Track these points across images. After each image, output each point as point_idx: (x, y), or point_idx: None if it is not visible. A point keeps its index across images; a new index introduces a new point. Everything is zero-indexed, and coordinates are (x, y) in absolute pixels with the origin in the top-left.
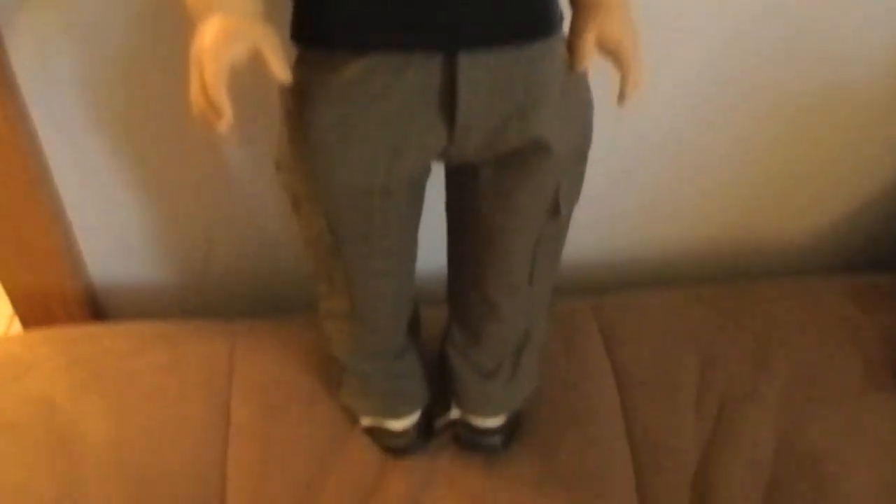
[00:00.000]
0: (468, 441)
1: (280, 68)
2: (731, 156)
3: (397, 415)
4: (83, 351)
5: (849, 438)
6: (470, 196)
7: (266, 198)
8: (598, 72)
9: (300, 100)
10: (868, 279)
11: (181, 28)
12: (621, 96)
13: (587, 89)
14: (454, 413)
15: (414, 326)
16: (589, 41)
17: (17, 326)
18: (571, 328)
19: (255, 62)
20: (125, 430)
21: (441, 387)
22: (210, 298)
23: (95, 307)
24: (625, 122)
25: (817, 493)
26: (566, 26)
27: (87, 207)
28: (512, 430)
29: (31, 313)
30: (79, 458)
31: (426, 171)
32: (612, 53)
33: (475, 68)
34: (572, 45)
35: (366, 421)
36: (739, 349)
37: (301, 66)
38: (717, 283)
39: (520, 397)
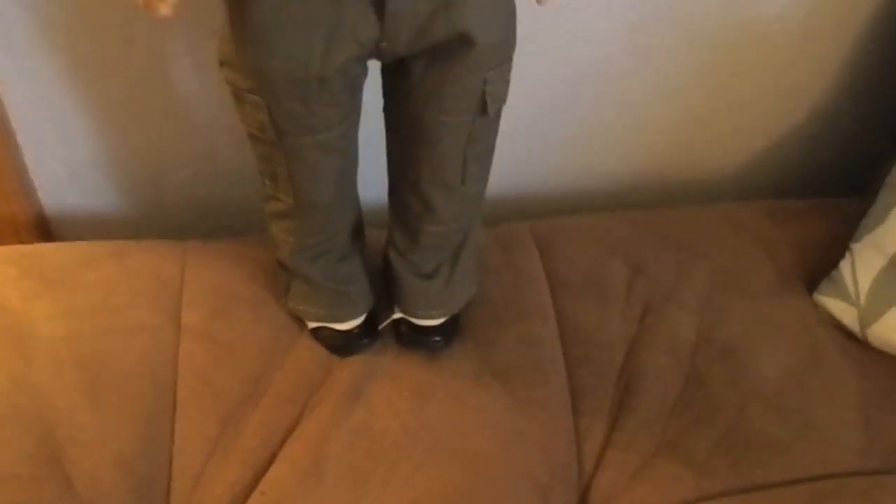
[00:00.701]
0: (410, 339)
1: None
2: (656, 88)
3: (342, 319)
4: (33, 264)
5: (760, 331)
6: (404, 95)
7: (217, 124)
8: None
9: None
10: (785, 203)
11: None
12: None
13: None
14: (396, 314)
15: (358, 234)
16: None
17: None
18: (509, 243)
19: None
20: (77, 331)
21: (385, 292)
22: (162, 226)
23: (46, 234)
24: (554, 54)
25: (731, 377)
26: None
27: (37, 132)
28: (451, 330)
29: None
30: (31, 354)
31: (363, 70)
32: None
33: None
34: None
35: (312, 324)
36: (663, 259)
37: None
38: (646, 208)
39: (458, 300)
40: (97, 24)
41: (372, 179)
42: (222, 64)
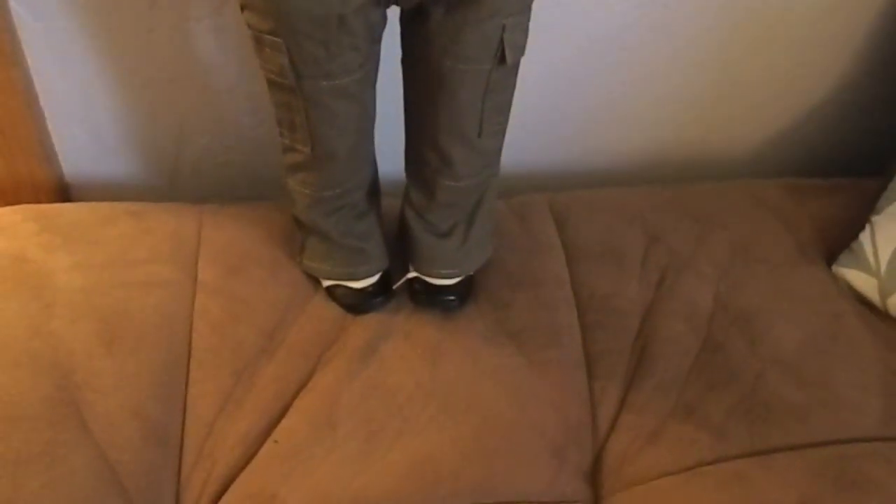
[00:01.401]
0: (424, 299)
1: None
2: (674, 63)
3: (357, 277)
4: (52, 220)
5: (779, 300)
6: (422, 42)
7: (237, 91)
8: None
9: None
10: (804, 180)
11: None
12: None
13: None
14: (411, 273)
15: (374, 192)
16: None
17: None
18: (526, 213)
19: None
20: (95, 282)
21: (399, 253)
22: (181, 193)
23: (66, 199)
24: (570, 27)
25: (749, 344)
26: None
27: (59, 96)
28: (465, 291)
29: (0, 199)
30: (50, 302)
31: (382, 18)
32: None
33: None
34: None
35: (327, 282)
36: (681, 229)
37: None
38: (664, 184)
39: (473, 261)
40: None
41: (388, 154)
42: (244, 7)
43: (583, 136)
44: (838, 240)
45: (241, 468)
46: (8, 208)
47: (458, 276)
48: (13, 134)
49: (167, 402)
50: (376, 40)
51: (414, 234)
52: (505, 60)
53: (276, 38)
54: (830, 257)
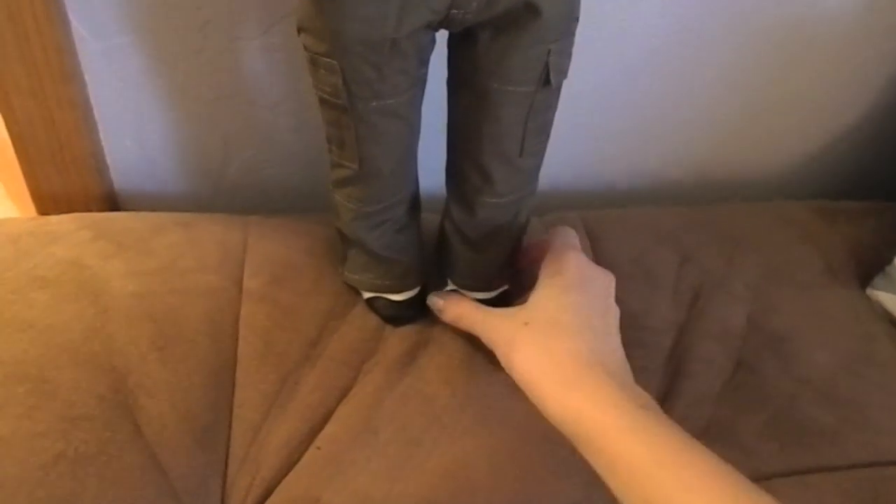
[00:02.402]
0: None
1: None
2: (712, 84)
3: (397, 289)
4: (106, 228)
5: (812, 321)
6: (468, 64)
7: (280, 108)
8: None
9: None
10: (838, 203)
11: None
12: None
13: None
14: (449, 286)
15: (415, 208)
16: None
17: None
18: None
19: None
20: (147, 288)
21: (438, 268)
22: (225, 205)
23: (115, 209)
24: (609, 47)
25: (782, 365)
26: None
27: (113, 113)
28: (501, 306)
29: (54, 211)
30: (105, 306)
31: (431, 41)
32: None
33: None
34: None
35: (367, 294)
36: (712, 250)
37: None
38: (696, 204)
39: (505, 282)
40: (176, 3)
41: (428, 168)
42: (300, 30)
43: (616, 154)
44: (871, 263)
45: (285, 473)
46: (63, 216)
47: (494, 290)
48: (69, 147)
49: (215, 407)
50: (424, 62)
51: (453, 249)
52: (549, 83)
53: (331, 60)
54: (864, 280)
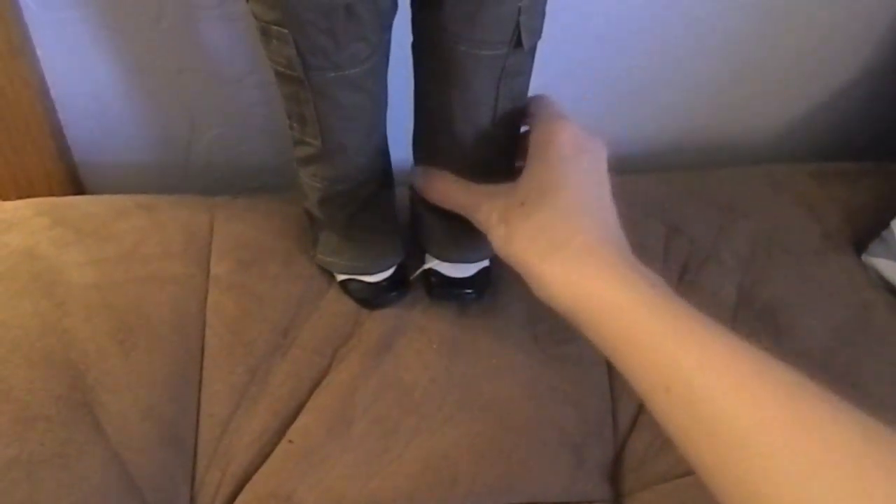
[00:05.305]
0: (440, 292)
1: None
2: (695, 43)
3: (371, 270)
4: (65, 214)
5: (806, 290)
6: (435, 27)
7: (246, 81)
8: None
9: None
10: (830, 165)
11: None
12: None
13: None
14: (427, 263)
15: (387, 184)
16: None
17: None
18: None
19: None
20: (107, 278)
21: (414, 246)
22: (192, 184)
23: (79, 190)
24: (589, 7)
25: (775, 335)
26: None
27: (69, 88)
28: (483, 284)
29: (14, 193)
30: (62, 299)
31: (393, 5)
32: None
33: None
34: None
35: (341, 276)
36: (701, 219)
37: None
38: (685, 169)
39: (487, 251)
40: None
41: (395, 139)
42: None
43: (597, 120)
44: (868, 228)
45: (257, 468)
46: (21, 202)
47: (474, 261)
48: (25, 126)
49: (181, 401)
50: (386, 28)
51: (426, 222)
52: (521, 44)
53: (282, 29)
54: (859, 246)
